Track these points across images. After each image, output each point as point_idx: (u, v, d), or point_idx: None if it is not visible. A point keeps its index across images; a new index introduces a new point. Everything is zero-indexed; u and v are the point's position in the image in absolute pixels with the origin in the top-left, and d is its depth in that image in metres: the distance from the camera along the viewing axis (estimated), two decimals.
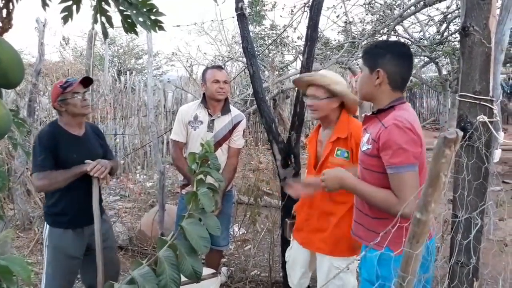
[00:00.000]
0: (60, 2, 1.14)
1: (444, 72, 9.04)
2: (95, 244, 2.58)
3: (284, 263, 3.19)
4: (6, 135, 1.08)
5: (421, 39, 7.81)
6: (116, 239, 4.38)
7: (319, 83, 2.43)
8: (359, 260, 2.11)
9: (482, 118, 1.45)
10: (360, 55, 1.98)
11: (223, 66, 3.43)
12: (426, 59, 8.91)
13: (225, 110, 3.21)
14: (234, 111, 3.30)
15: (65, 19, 1.17)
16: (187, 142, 3.23)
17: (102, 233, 2.58)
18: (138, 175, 7.88)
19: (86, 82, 2.64)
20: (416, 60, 10.86)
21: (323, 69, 3.04)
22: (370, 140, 1.85)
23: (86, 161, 2.55)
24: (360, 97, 2.02)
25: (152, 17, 1.15)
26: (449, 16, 7.16)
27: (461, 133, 0.76)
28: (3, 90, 1.10)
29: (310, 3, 3.23)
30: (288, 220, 2.83)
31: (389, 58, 1.83)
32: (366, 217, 1.97)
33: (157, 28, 1.17)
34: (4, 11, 1.08)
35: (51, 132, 2.57)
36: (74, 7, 1.16)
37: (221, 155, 3.20)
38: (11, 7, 1.08)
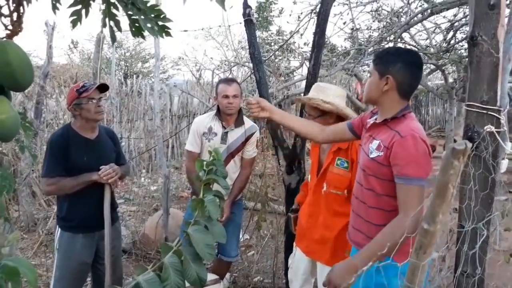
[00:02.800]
0: (70, 6, 1.14)
1: (451, 80, 9.01)
2: (102, 250, 2.60)
3: (287, 269, 3.19)
4: (14, 138, 1.08)
5: (427, 46, 7.80)
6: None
7: (309, 104, 2.51)
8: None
9: (490, 128, 1.44)
10: (371, 59, 1.97)
11: (234, 79, 3.41)
12: (432, 66, 8.89)
13: (239, 123, 3.23)
14: (248, 123, 3.31)
15: (74, 23, 1.18)
16: (201, 152, 3.25)
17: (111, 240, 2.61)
18: (142, 178, 7.89)
19: (102, 88, 2.66)
20: None
21: (323, 78, 3.06)
22: (382, 147, 1.82)
23: (101, 167, 2.57)
24: (365, 100, 2.02)
25: (160, 23, 1.16)
26: (456, 24, 7.14)
27: (470, 145, 0.75)
28: (12, 92, 1.11)
29: (317, 10, 3.24)
30: (292, 214, 2.85)
31: (400, 67, 1.82)
32: (367, 224, 1.94)
33: (164, 34, 1.17)
34: (15, 15, 1.08)
35: (62, 135, 2.59)
36: (83, 11, 1.17)
37: (234, 166, 3.23)
38: (21, 10, 1.09)
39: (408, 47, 7.54)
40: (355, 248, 2.06)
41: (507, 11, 1.66)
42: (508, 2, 3.47)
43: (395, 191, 1.77)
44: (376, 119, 2.00)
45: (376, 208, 1.90)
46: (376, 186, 1.87)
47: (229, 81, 3.27)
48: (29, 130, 1.37)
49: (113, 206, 2.78)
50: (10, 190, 1.14)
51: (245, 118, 3.33)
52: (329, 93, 2.48)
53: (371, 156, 1.88)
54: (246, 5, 3.18)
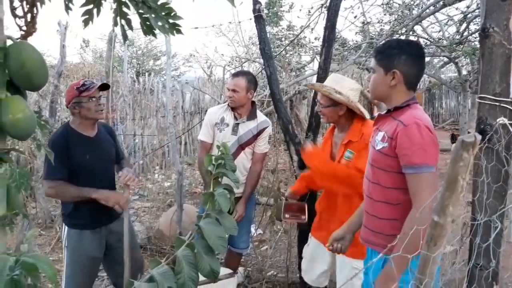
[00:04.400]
0: (82, 6, 1.16)
1: (464, 72, 8.89)
2: (115, 242, 2.64)
3: (301, 263, 3.20)
4: (30, 136, 1.11)
5: (440, 39, 7.70)
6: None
7: (321, 92, 2.49)
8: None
9: (502, 120, 1.43)
10: (373, 54, 1.98)
11: (242, 73, 3.40)
12: (446, 59, 8.78)
13: (251, 116, 3.25)
14: (261, 117, 3.32)
15: (86, 22, 1.20)
16: (212, 143, 3.29)
17: (119, 232, 2.62)
18: (156, 175, 7.96)
19: (102, 86, 2.64)
20: (435, 61, 10.71)
21: (335, 72, 3.03)
22: (386, 138, 1.81)
23: (120, 173, 2.59)
24: (373, 97, 2.01)
25: (170, 21, 1.17)
26: (469, 15, 7.04)
27: (479, 137, 0.76)
28: (27, 92, 1.13)
29: (327, 4, 3.23)
30: (284, 200, 2.86)
31: (405, 59, 1.82)
32: (373, 219, 1.93)
33: (175, 31, 1.19)
34: (29, 16, 1.11)
35: (61, 135, 2.57)
36: (95, 10, 1.18)
37: (245, 159, 3.25)
38: (35, 11, 1.11)
39: (421, 40, 7.46)
40: (369, 248, 2.05)
41: None
42: None
43: (402, 184, 1.76)
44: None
45: (382, 201, 1.88)
46: (383, 179, 1.86)
47: (234, 74, 3.32)
48: (44, 128, 1.40)
49: None
50: (28, 188, 1.17)
51: (258, 112, 3.34)
52: (344, 84, 2.47)
53: (377, 148, 1.86)
54: (255, 1, 3.19)
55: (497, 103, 1.48)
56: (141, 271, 2.86)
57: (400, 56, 1.83)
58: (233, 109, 3.24)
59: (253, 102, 3.31)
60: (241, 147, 3.22)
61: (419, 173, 1.69)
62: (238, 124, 3.22)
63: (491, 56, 1.49)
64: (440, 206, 0.80)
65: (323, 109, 2.51)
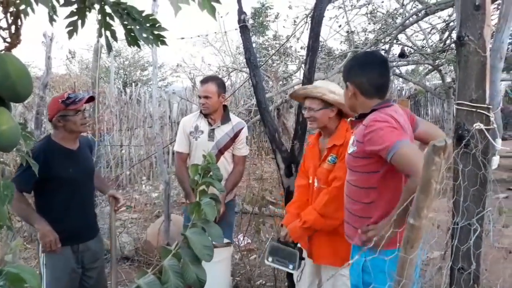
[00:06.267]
0: (66, 17, 1.18)
1: (448, 79, 9.04)
2: (89, 263, 2.64)
3: (288, 273, 3.20)
4: (15, 148, 1.11)
5: (423, 47, 7.84)
6: (122, 250, 4.42)
7: (313, 95, 2.47)
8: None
9: (479, 125, 1.47)
10: None
11: (210, 78, 3.40)
12: (430, 67, 8.93)
13: (225, 120, 3.28)
14: (235, 119, 3.35)
15: (71, 34, 1.22)
16: (190, 152, 3.29)
17: (95, 252, 2.68)
18: (144, 186, 7.91)
19: (88, 99, 2.59)
20: (420, 68, 10.87)
21: (320, 79, 3.04)
22: (355, 142, 1.91)
23: (120, 204, 2.74)
24: (349, 109, 2.12)
25: (155, 32, 1.19)
26: (451, 24, 7.19)
27: (449, 141, 0.79)
28: (12, 103, 1.14)
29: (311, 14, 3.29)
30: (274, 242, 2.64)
31: (355, 70, 1.94)
32: (353, 216, 2.01)
33: (159, 42, 1.21)
34: (13, 27, 1.12)
35: (41, 149, 2.45)
36: (79, 22, 1.20)
37: (225, 163, 3.25)
38: (19, 23, 1.13)
39: (405, 48, 7.60)
40: (354, 245, 2.08)
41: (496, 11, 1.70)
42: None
43: (372, 183, 1.87)
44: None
45: (357, 201, 1.97)
46: (355, 180, 1.96)
47: (203, 81, 3.33)
48: (29, 140, 1.40)
49: (94, 215, 2.81)
50: (12, 200, 1.17)
51: (231, 115, 3.38)
52: (334, 86, 2.50)
53: (349, 152, 1.97)
54: (241, 12, 3.22)
55: (474, 109, 1.53)
56: None
57: (352, 68, 1.97)
58: (206, 115, 3.25)
59: (225, 106, 3.34)
60: (220, 151, 3.23)
61: (396, 150, 1.71)
62: (213, 129, 3.24)
63: (467, 64, 1.54)
64: (415, 209, 0.83)
65: (315, 113, 2.46)
